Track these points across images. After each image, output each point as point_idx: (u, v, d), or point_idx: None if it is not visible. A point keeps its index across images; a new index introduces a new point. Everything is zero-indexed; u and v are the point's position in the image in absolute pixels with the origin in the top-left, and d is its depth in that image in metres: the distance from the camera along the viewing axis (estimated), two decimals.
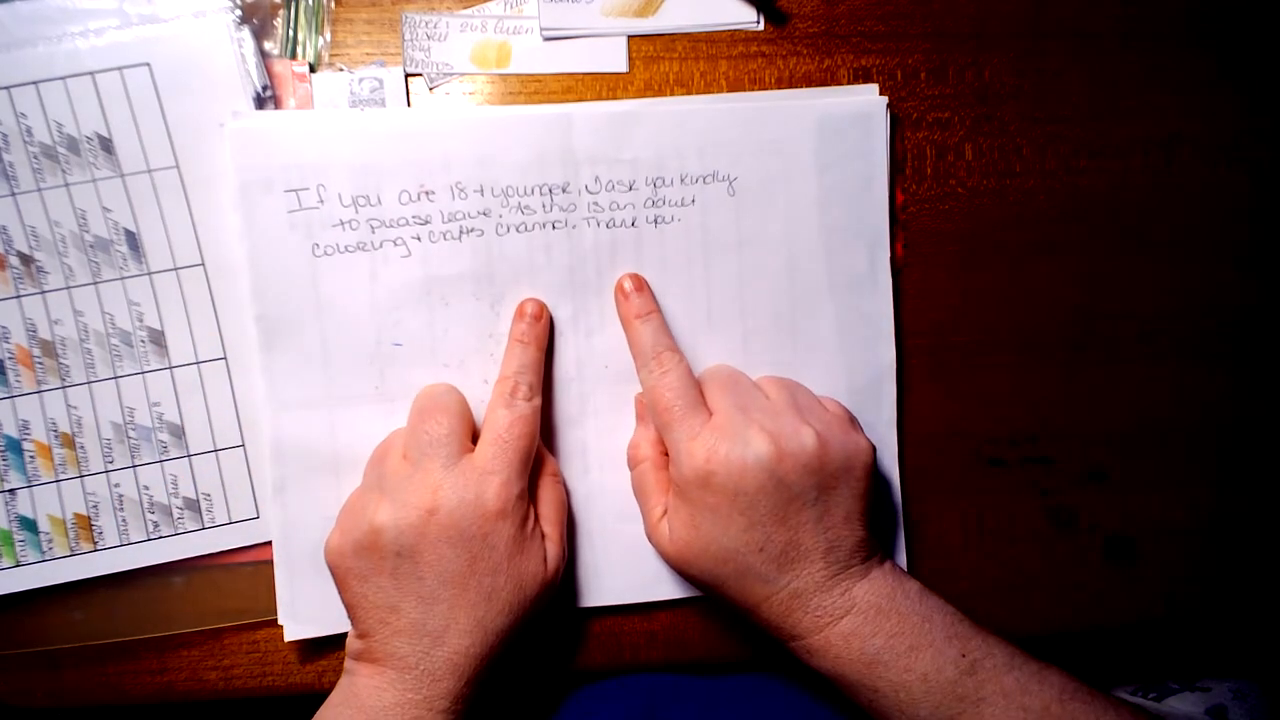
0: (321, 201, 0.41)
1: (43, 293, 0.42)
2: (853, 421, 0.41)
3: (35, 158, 0.41)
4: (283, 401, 0.42)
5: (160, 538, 0.43)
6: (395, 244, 0.42)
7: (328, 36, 0.43)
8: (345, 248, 0.42)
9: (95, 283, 0.42)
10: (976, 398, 0.46)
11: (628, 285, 0.42)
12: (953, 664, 0.37)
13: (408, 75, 0.43)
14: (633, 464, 0.43)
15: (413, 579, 0.37)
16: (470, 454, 0.38)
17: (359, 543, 0.37)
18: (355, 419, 0.42)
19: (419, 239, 0.42)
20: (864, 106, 0.44)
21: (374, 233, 0.42)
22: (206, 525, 0.43)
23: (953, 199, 0.46)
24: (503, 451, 0.38)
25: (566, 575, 0.43)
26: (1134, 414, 0.47)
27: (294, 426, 0.42)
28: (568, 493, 0.43)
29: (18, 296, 0.42)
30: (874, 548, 0.39)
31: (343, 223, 0.41)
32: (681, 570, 0.40)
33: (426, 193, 0.42)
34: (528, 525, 0.38)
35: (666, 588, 0.44)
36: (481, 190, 0.42)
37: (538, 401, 0.40)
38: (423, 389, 0.42)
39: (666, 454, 0.40)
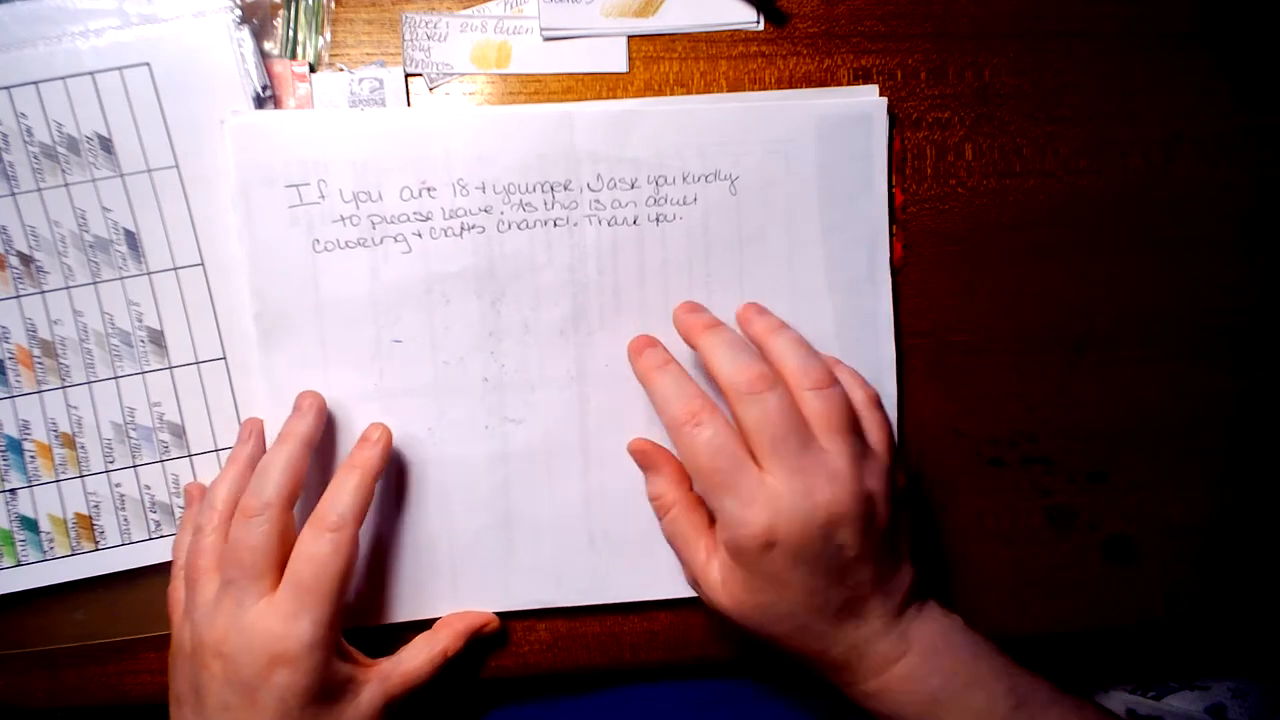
0: (322, 197, 0.41)
1: (42, 293, 0.42)
2: (885, 429, 0.39)
3: (35, 158, 0.41)
4: (283, 400, 0.42)
5: (162, 537, 0.43)
6: (396, 240, 0.42)
7: (328, 36, 0.43)
8: (346, 244, 0.42)
9: (95, 283, 0.42)
10: (976, 398, 0.46)
11: (638, 343, 0.41)
12: (1003, 699, 0.36)
13: (408, 75, 0.43)
14: (661, 512, 0.40)
15: (202, 713, 0.36)
16: (270, 595, 0.36)
17: (173, 653, 0.38)
18: (355, 416, 0.42)
19: (420, 235, 0.42)
20: (864, 107, 0.44)
21: (375, 229, 0.42)
22: None
23: (953, 199, 0.46)
24: (296, 594, 0.36)
25: (567, 574, 0.43)
26: (1134, 414, 0.47)
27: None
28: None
29: (17, 296, 0.42)
30: (920, 585, 0.38)
31: (343, 218, 0.41)
32: (735, 624, 0.38)
33: (428, 189, 0.42)
34: (328, 670, 0.36)
35: (666, 587, 0.44)
36: (483, 187, 0.42)
37: (351, 530, 0.37)
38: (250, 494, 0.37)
39: (691, 490, 0.40)
